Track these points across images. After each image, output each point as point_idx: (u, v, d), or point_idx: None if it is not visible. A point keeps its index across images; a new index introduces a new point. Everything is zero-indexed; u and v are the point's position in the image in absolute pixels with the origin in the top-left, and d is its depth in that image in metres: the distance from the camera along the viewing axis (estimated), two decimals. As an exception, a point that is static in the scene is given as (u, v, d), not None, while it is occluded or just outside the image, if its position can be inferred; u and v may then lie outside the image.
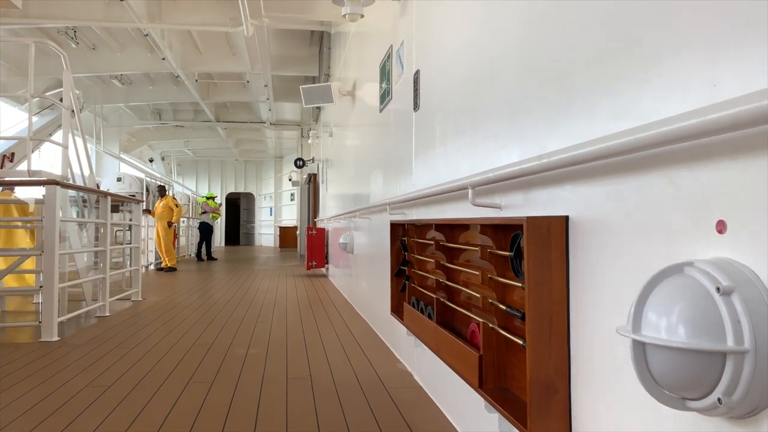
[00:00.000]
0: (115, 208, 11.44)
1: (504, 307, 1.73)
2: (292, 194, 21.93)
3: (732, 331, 0.82)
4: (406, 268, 3.12)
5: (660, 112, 1.10)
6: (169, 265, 11.15)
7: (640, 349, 0.93)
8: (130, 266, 7.45)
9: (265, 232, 25.54)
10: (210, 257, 14.50)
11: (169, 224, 11.41)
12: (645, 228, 1.15)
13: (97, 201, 6.32)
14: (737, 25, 0.93)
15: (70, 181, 5.71)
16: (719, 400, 0.84)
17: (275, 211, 24.68)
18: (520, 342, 1.57)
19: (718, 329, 0.83)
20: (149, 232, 11.56)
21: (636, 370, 0.94)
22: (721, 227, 0.94)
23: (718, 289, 0.85)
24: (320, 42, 10.52)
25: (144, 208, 11.18)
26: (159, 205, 11.63)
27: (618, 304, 1.24)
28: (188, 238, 16.06)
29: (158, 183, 14.56)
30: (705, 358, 0.84)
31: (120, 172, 15.75)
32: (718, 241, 0.94)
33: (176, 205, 11.75)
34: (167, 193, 12.15)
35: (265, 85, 11.69)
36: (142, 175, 15.48)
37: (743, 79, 0.92)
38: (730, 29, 0.94)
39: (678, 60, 1.06)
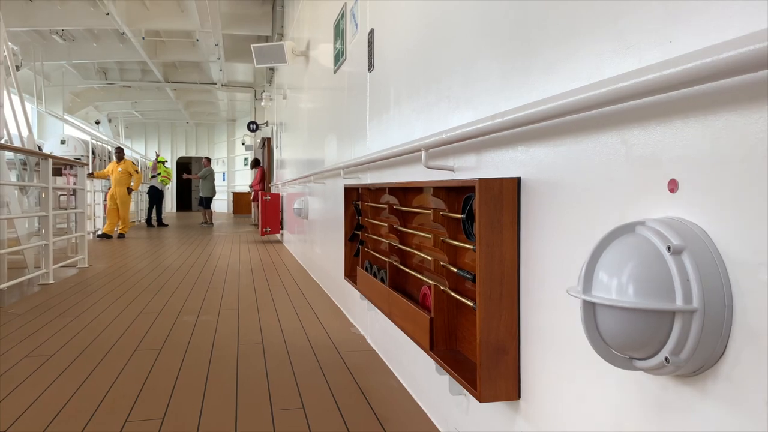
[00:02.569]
0: (58, 172, 10.97)
1: (455, 270, 1.72)
2: (245, 159, 21.50)
3: (681, 290, 0.81)
4: (359, 233, 3.08)
5: (617, 71, 1.07)
6: (120, 231, 10.79)
7: (590, 309, 0.91)
8: (76, 232, 7.19)
9: (218, 198, 25.04)
10: (161, 223, 14.13)
11: (129, 191, 10.98)
12: (597, 188, 1.13)
13: (38, 164, 6.03)
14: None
15: (7, 143, 5.41)
16: (666, 359, 0.83)
17: (228, 176, 24.19)
18: (471, 304, 1.56)
19: (668, 288, 0.82)
20: (96, 196, 11.13)
21: (585, 330, 0.92)
22: (673, 186, 0.92)
23: (668, 248, 0.83)
24: (273, 0, 10.19)
25: (89, 171, 10.72)
26: (116, 169, 11.07)
27: (569, 264, 1.23)
28: (138, 204, 15.60)
29: (117, 145, 14.07)
30: (654, 318, 0.83)
31: (64, 134, 15.09)
32: (670, 200, 0.93)
33: (136, 171, 11.27)
34: (125, 156, 11.56)
35: (216, 45, 11.30)
36: (87, 138, 14.87)
37: (699, 35, 0.89)
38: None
39: (634, 17, 1.04)
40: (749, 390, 0.79)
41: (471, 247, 1.60)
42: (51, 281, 5.47)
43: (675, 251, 0.83)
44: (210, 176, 14.80)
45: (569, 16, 1.24)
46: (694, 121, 0.89)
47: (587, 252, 0.95)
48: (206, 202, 14.92)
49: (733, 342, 0.81)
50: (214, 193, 15.02)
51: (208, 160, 15.26)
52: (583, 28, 1.19)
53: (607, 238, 0.93)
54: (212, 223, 14.92)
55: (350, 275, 3.20)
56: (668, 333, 0.83)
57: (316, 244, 5.61)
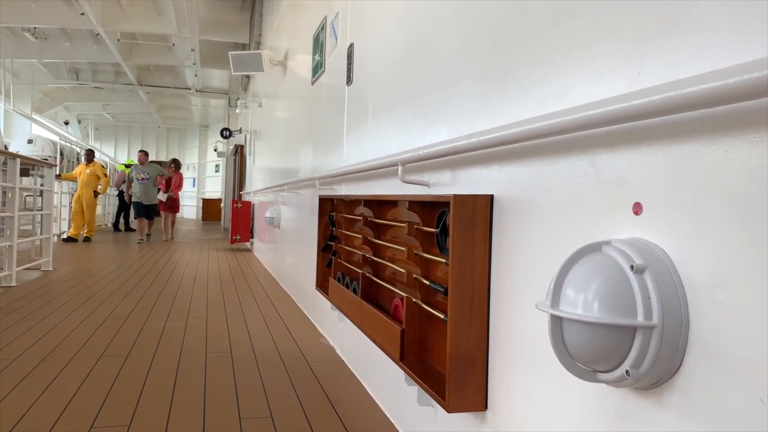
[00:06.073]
0: (25, 172, 10.69)
1: (428, 282, 1.76)
2: (217, 165, 21.31)
3: (642, 307, 0.86)
4: (333, 244, 3.10)
5: (588, 97, 1.13)
6: (86, 235, 10.57)
7: (558, 323, 0.96)
8: (41, 234, 7.04)
9: (187, 204, 24.71)
10: (128, 228, 13.90)
11: (95, 194, 10.76)
12: (566, 208, 1.18)
13: (4, 163, 5.91)
14: (661, 17, 0.96)
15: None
16: (627, 372, 0.88)
17: (198, 182, 23.92)
18: (442, 316, 1.60)
19: (630, 305, 0.87)
20: (62, 198, 10.90)
21: (552, 343, 0.97)
22: (637, 209, 0.98)
23: (632, 267, 0.89)
24: (252, 8, 10.20)
25: (56, 173, 10.49)
26: (85, 172, 10.82)
27: (538, 280, 1.28)
28: (105, 207, 15.32)
29: (86, 146, 13.63)
30: (616, 333, 0.88)
31: (32, 134, 14.77)
32: (635, 222, 0.98)
33: (104, 175, 11.04)
34: (94, 159, 11.28)
35: (192, 50, 11.23)
36: (56, 138, 14.59)
37: (665, 68, 0.95)
38: (655, 21, 0.97)
39: (606, 48, 1.10)
40: (703, 403, 0.84)
41: (444, 260, 1.64)
42: (14, 284, 5.34)
43: (638, 270, 0.88)
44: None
45: (546, 43, 1.30)
46: (659, 149, 0.95)
47: (555, 268, 1.00)
48: (149, 211, 11.22)
49: (689, 357, 0.87)
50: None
51: (145, 154, 11.65)
52: (559, 55, 1.25)
53: (575, 256, 0.98)
54: (150, 235, 11.35)
55: (322, 286, 3.21)
56: (629, 347, 0.88)
57: (288, 253, 5.60)
